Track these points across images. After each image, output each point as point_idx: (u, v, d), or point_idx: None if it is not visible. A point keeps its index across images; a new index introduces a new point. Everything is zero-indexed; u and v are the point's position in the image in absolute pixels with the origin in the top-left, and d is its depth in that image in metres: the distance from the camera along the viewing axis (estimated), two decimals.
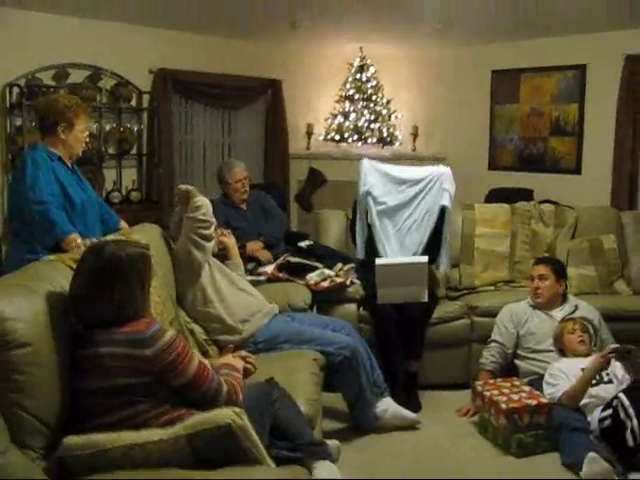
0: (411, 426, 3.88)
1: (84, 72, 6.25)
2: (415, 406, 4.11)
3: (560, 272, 4.36)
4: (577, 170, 7.14)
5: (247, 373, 2.57)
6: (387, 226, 4.56)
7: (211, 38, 7.17)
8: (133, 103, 6.75)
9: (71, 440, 1.91)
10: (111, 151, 6.55)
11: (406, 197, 4.59)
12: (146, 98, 6.82)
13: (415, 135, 8.13)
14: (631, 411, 3.25)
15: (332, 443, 2.95)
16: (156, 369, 2.06)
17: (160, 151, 6.82)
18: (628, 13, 6.10)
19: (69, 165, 3.55)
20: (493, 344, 4.29)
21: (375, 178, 4.56)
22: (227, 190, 5.02)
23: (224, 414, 1.82)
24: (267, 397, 2.45)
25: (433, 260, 4.54)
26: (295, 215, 8.04)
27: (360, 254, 4.54)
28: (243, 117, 7.80)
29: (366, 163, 4.60)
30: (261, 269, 4.57)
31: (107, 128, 6.54)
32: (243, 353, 2.70)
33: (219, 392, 2.17)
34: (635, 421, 3.23)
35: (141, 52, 6.66)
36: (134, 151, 6.79)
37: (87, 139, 3.72)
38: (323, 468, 2.41)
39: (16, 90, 5.72)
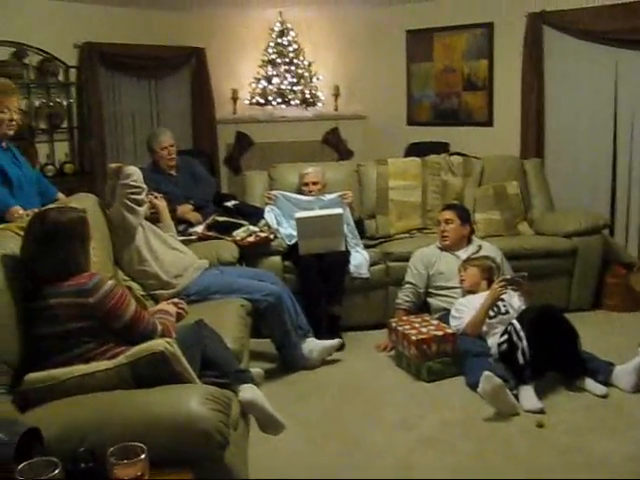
0: (336, 360, 4.32)
1: (8, 49, 6.34)
2: (339, 347, 4.51)
3: (464, 216, 4.79)
4: (489, 122, 7.52)
5: (179, 317, 2.92)
6: None
7: (134, 10, 7.34)
8: (60, 78, 6.89)
9: (32, 376, 2.25)
10: (42, 126, 6.71)
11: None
12: (73, 72, 6.96)
13: (337, 95, 8.34)
14: (522, 334, 3.73)
15: (255, 370, 3.34)
16: (99, 314, 2.40)
17: (90, 124, 7.00)
18: None
19: (3, 145, 3.78)
20: (407, 285, 4.72)
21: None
22: (155, 157, 5.31)
23: (157, 343, 2.19)
24: (196, 334, 2.80)
25: None
26: (225, 178, 8.32)
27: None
28: (169, 86, 7.96)
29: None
30: (191, 230, 4.91)
31: (37, 104, 6.68)
32: (175, 300, 3.05)
33: (154, 331, 2.54)
34: (525, 342, 3.71)
35: (65, 27, 6.79)
36: (65, 125, 6.95)
37: (15, 116, 3.71)
38: (247, 390, 2.78)
39: None
